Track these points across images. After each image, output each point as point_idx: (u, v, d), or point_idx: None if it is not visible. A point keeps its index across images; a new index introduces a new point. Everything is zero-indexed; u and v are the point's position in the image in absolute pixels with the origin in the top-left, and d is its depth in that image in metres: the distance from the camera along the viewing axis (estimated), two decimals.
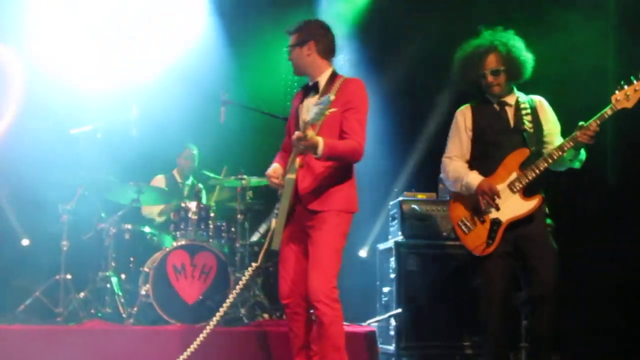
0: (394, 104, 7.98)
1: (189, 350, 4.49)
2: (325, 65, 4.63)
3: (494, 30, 4.85)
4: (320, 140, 4.11)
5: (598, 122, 4.41)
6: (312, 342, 4.61)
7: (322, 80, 4.57)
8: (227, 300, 4.67)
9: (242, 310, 6.28)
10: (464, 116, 4.95)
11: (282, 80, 8.57)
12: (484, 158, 4.81)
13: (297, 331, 4.61)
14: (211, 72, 7.64)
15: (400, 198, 6.44)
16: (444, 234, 6.26)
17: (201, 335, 4.48)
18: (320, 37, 4.63)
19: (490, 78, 4.76)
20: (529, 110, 4.81)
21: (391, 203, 6.68)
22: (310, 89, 4.64)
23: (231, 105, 6.09)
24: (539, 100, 4.86)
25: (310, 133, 4.06)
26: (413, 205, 6.34)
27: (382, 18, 8.44)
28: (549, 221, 4.79)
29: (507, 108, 4.82)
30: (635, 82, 4.38)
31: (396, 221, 6.46)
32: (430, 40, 7.83)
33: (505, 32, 4.85)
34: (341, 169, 4.47)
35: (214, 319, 4.59)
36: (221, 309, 4.62)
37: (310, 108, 4.29)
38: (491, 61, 4.76)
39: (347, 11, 8.47)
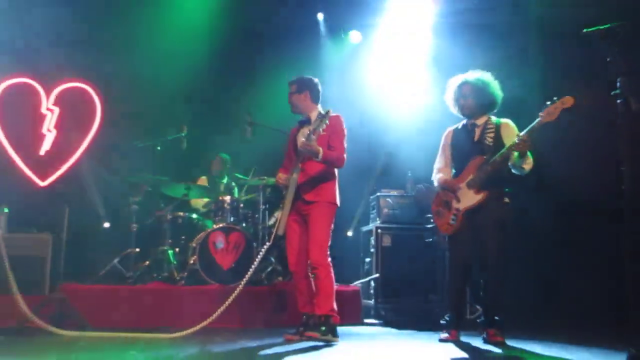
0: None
1: (225, 303, 4.69)
2: (314, 107, 5.03)
3: (474, 71, 4.99)
4: (320, 148, 4.61)
5: (528, 134, 4.44)
6: (312, 298, 4.81)
7: (313, 116, 4.95)
8: (252, 268, 4.91)
9: (263, 275, 6.48)
10: (446, 136, 5.12)
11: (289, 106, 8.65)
12: (457, 164, 4.99)
13: (302, 290, 4.89)
14: (240, 100, 7.77)
15: (378, 193, 6.57)
16: (410, 219, 6.38)
17: (234, 293, 4.67)
18: (312, 88, 5.01)
19: (461, 101, 4.93)
20: (493, 129, 4.84)
21: (371, 197, 6.80)
22: (304, 123, 5.02)
23: (255, 125, 6.19)
24: (505, 122, 4.88)
25: (315, 142, 4.57)
26: (387, 199, 6.47)
27: None
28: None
29: (476, 128, 4.93)
30: (557, 101, 4.33)
31: (375, 210, 6.59)
32: None
33: (482, 71, 4.97)
34: (328, 173, 4.85)
35: (243, 281, 4.81)
36: (248, 274, 4.84)
37: (305, 134, 4.74)
38: (464, 90, 4.92)
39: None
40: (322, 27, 8.46)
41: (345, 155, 4.83)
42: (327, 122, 4.55)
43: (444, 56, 7.45)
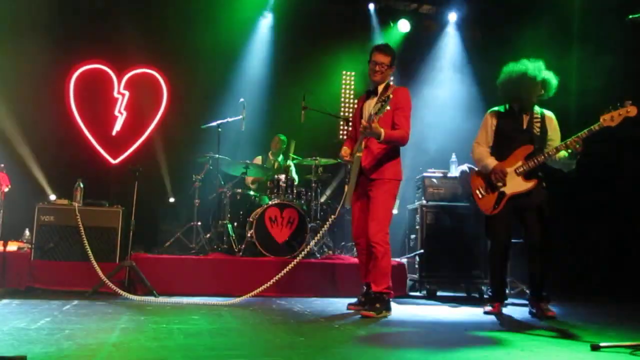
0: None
1: (280, 274, 4.69)
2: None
3: (531, 61, 4.72)
4: (382, 130, 4.27)
5: (587, 133, 4.26)
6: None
7: (380, 88, 4.65)
8: (314, 240, 4.96)
9: (315, 248, 6.44)
10: (492, 116, 4.91)
11: (340, 92, 8.57)
12: (501, 147, 4.82)
13: (363, 261, 4.70)
14: (295, 88, 7.70)
15: (424, 174, 6.42)
16: (453, 199, 6.22)
17: (289, 265, 4.64)
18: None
19: (538, 95, 4.73)
20: (539, 120, 4.74)
21: (417, 177, 6.64)
22: (371, 93, 4.71)
23: (308, 110, 6.13)
24: (549, 114, 4.79)
25: (376, 124, 4.22)
26: (432, 179, 6.32)
27: None
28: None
29: (524, 115, 4.78)
30: (620, 108, 4.12)
31: (420, 189, 6.44)
32: None
33: (540, 63, 4.73)
34: (391, 151, 4.54)
35: (297, 253, 4.73)
36: (308, 246, 4.88)
37: (372, 105, 4.43)
38: (539, 88, 4.70)
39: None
40: (373, 17, 8.35)
41: (409, 133, 4.49)
42: (389, 107, 4.16)
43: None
